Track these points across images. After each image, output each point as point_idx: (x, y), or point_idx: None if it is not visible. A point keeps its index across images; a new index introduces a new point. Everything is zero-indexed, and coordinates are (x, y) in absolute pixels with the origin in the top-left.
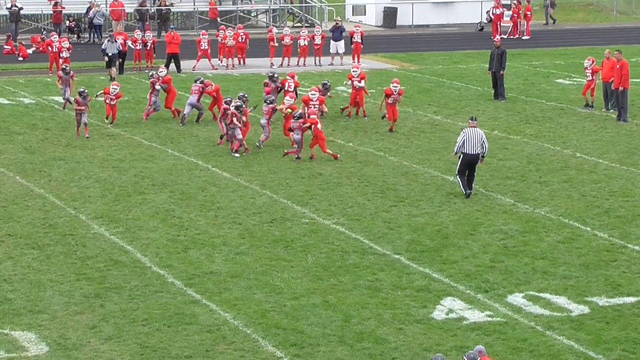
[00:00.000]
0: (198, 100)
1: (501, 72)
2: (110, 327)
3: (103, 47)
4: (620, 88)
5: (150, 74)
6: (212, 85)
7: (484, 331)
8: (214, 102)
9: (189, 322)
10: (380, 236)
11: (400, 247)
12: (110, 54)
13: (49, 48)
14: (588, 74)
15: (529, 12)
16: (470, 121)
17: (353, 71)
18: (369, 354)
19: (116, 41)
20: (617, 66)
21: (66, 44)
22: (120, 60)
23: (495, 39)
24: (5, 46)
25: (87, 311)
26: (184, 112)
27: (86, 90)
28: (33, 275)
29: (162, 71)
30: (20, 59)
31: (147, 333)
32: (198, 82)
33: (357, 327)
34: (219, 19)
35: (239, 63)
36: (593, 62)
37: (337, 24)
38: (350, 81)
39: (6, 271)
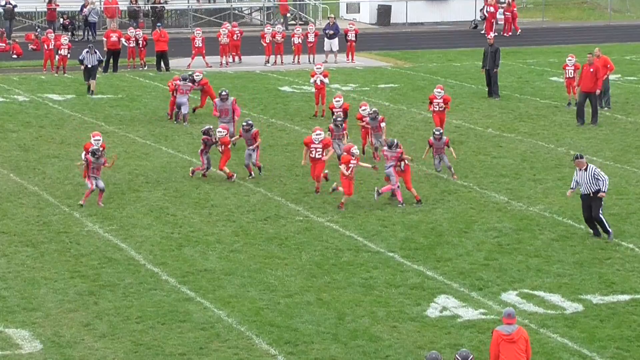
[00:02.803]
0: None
1: (495, 69)
2: (104, 325)
3: (80, 57)
4: (598, 91)
5: (189, 75)
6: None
7: (477, 329)
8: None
9: (183, 320)
10: (374, 234)
11: (394, 244)
12: (89, 66)
13: (45, 46)
14: (570, 71)
15: (514, 9)
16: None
17: (316, 68)
18: (363, 351)
19: (96, 52)
20: (592, 70)
21: (66, 40)
22: (108, 59)
23: (488, 37)
24: None
25: (81, 309)
26: (184, 112)
27: (102, 149)
28: (27, 273)
29: (198, 75)
30: (14, 56)
31: (141, 330)
32: (188, 80)
33: (351, 325)
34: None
35: (233, 60)
36: (574, 59)
37: (331, 21)
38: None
39: (0, 269)
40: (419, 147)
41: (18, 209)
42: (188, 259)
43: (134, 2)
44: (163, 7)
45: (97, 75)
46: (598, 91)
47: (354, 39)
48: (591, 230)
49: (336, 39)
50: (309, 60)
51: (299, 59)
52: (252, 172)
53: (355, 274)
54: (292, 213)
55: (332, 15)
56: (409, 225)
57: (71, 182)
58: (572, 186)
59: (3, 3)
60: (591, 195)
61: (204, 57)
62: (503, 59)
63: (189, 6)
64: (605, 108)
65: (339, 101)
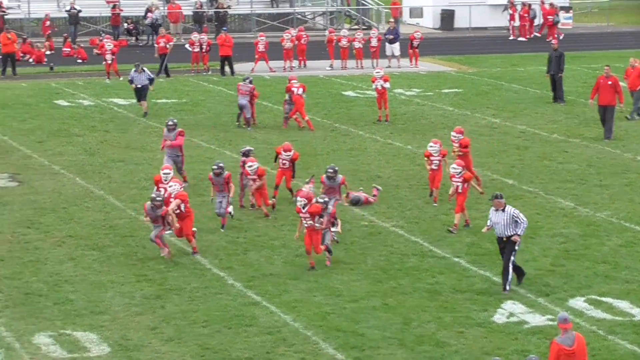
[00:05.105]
0: (250, 100)
1: (559, 74)
2: (171, 329)
3: (129, 77)
4: (620, 105)
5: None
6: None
7: (545, 335)
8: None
9: (249, 324)
10: (439, 239)
11: (460, 249)
12: (139, 86)
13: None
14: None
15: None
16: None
17: (376, 73)
18: (429, 357)
19: (144, 70)
20: (609, 82)
21: (110, 46)
22: (161, 63)
23: (552, 42)
24: (64, 48)
25: (148, 312)
26: (247, 116)
27: (159, 199)
28: (94, 276)
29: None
30: (79, 61)
31: (207, 335)
32: (247, 81)
33: (417, 330)
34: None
35: (300, 65)
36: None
37: (391, 26)
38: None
39: (67, 272)
40: (483, 153)
41: (84, 212)
42: (254, 264)
43: (199, 7)
44: (226, 11)
45: (160, 80)
46: (620, 105)
47: (416, 46)
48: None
49: (397, 44)
50: (373, 65)
51: (362, 63)
52: (225, 223)
53: (421, 279)
54: (357, 218)
55: (392, 20)
56: (474, 231)
57: (136, 186)
58: (488, 224)
59: (68, 8)
60: (504, 239)
61: (267, 62)
62: (568, 63)
63: (252, 11)
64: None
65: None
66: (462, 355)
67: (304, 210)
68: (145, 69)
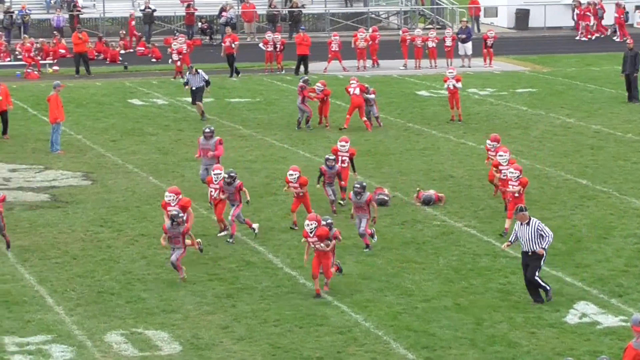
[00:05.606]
0: (302, 102)
1: (635, 74)
2: (242, 328)
3: (185, 79)
4: None
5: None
6: (323, 87)
7: (617, 336)
8: (322, 106)
9: (320, 324)
10: None
11: None
12: (194, 88)
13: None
14: None
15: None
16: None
17: (449, 72)
18: (501, 357)
19: (198, 72)
20: None
21: (176, 45)
22: (229, 64)
23: (628, 41)
24: (138, 48)
25: (219, 311)
26: (299, 116)
27: (181, 215)
28: (166, 275)
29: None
30: (153, 60)
31: (278, 334)
32: (301, 81)
33: (489, 331)
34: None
35: (373, 65)
36: None
37: (463, 25)
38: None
39: (140, 271)
40: (557, 153)
41: (157, 211)
42: None
43: (273, 7)
44: (301, 11)
45: (233, 79)
46: None
47: (491, 45)
48: (531, 297)
49: (469, 43)
50: (447, 65)
51: (435, 63)
52: (253, 226)
53: (493, 279)
54: (429, 217)
55: (465, 19)
56: None
57: None
58: (510, 239)
59: (143, 7)
60: (530, 254)
61: (340, 61)
62: None
63: (326, 10)
64: None
65: (344, 146)
66: (533, 356)
67: (311, 235)
68: (200, 71)
